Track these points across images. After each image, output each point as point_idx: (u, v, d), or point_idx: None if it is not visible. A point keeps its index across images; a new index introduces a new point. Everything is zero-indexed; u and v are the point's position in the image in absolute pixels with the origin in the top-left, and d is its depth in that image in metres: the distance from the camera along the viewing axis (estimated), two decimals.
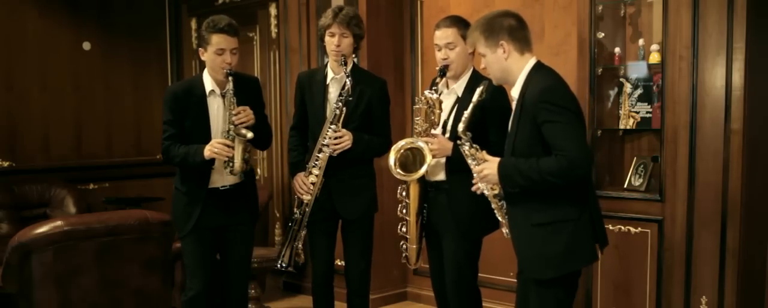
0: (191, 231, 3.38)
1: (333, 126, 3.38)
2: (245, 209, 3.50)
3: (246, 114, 3.28)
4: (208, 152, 3.23)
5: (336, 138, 3.37)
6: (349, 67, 3.42)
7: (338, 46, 3.40)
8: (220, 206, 3.40)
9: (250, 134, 3.23)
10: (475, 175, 2.78)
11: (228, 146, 3.22)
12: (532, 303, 2.68)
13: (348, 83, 3.35)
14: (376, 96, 3.52)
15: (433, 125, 3.19)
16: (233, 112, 3.25)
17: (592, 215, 2.61)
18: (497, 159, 2.67)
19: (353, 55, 3.53)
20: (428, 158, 3.11)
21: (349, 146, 3.40)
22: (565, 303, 2.66)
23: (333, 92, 3.47)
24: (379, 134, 3.55)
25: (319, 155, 3.42)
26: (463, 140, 2.78)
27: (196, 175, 3.37)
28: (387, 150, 3.59)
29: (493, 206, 2.85)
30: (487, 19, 2.69)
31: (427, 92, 3.18)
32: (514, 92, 2.68)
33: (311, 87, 3.53)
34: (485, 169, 2.69)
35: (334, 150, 3.39)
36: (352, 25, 3.41)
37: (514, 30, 2.65)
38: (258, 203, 3.65)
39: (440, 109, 3.18)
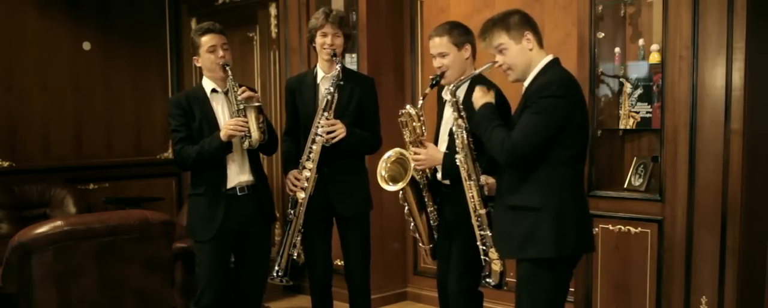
0: (211, 239, 3.37)
1: (325, 113, 3.41)
2: (262, 214, 3.52)
3: (250, 92, 3.37)
4: (224, 131, 3.28)
5: (329, 127, 3.40)
6: (338, 63, 3.47)
7: (332, 45, 3.44)
8: (239, 211, 3.41)
9: (258, 103, 3.33)
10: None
11: (242, 121, 3.29)
12: (520, 285, 2.74)
13: (337, 68, 3.41)
14: (366, 94, 3.58)
15: (419, 137, 3.21)
16: (237, 91, 3.33)
17: (562, 213, 2.65)
18: (491, 100, 2.88)
19: (341, 56, 3.57)
20: (411, 169, 3.17)
21: (343, 135, 3.42)
22: (553, 294, 2.71)
23: (324, 91, 3.49)
24: (369, 131, 3.58)
25: (313, 147, 3.44)
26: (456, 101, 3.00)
27: (212, 175, 3.39)
28: (378, 147, 3.63)
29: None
30: (502, 17, 2.75)
31: (408, 106, 3.22)
32: (526, 83, 2.75)
33: (301, 90, 3.56)
34: (477, 95, 2.92)
35: (328, 139, 3.40)
36: (343, 25, 3.50)
37: (532, 24, 2.75)
38: (274, 207, 3.69)
39: (420, 121, 3.20)
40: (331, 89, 3.42)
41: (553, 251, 2.65)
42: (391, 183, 3.24)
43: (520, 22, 2.72)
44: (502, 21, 2.73)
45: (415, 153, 3.17)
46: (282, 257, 3.54)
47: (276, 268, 3.55)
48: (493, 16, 2.78)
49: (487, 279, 3.06)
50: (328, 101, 3.42)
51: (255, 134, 3.32)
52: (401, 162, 3.25)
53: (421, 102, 3.20)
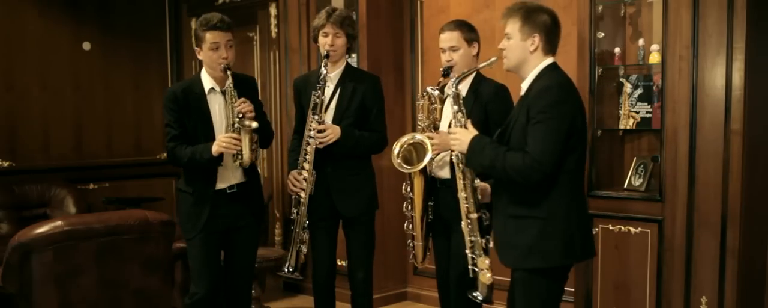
0: (198, 234, 3.39)
1: (315, 116, 3.40)
2: (251, 210, 3.51)
3: (247, 104, 3.29)
4: (216, 147, 3.25)
5: (319, 130, 3.40)
6: (340, 66, 3.48)
7: (332, 45, 3.44)
8: (227, 208, 3.41)
9: (254, 124, 3.25)
10: (450, 135, 2.85)
11: (235, 139, 3.25)
12: (517, 292, 2.71)
13: (324, 71, 3.39)
14: (369, 92, 3.54)
15: (436, 121, 3.23)
16: (235, 104, 3.27)
17: (569, 220, 2.62)
18: (475, 132, 2.75)
19: (347, 55, 3.57)
20: (430, 152, 3.15)
21: (334, 138, 3.41)
22: (548, 300, 2.68)
23: (329, 91, 3.49)
24: (374, 130, 3.56)
25: (307, 149, 3.44)
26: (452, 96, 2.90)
27: (202, 176, 3.39)
28: (383, 147, 3.61)
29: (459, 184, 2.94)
30: (530, 8, 2.68)
31: (429, 88, 3.23)
32: (524, 86, 2.72)
33: (307, 89, 3.55)
34: (459, 134, 2.78)
35: (319, 142, 3.40)
36: (345, 26, 3.47)
37: (550, 31, 2.68)
38: (263, 204, 3.68)
39: (441, 105, 3.22)
40: (320, 92, 3.41)
41: (562, 259, 2.63)
42: (406, 165, 3.22)
43: (540, 23, 2.65)
44: (527, 12, 2.66)
45: (429, 137, 3.18)
46: (291, 253, 3.55)
47: (286, 264, 3.57)
48: (529, 2, 2.71)
49: (474, 293, 2.95)
50: (316, 104, 3.41)
51: (246, 156, 3.29)
52: (416, 147, 3.23)
53: (437, 90, 3.21)
